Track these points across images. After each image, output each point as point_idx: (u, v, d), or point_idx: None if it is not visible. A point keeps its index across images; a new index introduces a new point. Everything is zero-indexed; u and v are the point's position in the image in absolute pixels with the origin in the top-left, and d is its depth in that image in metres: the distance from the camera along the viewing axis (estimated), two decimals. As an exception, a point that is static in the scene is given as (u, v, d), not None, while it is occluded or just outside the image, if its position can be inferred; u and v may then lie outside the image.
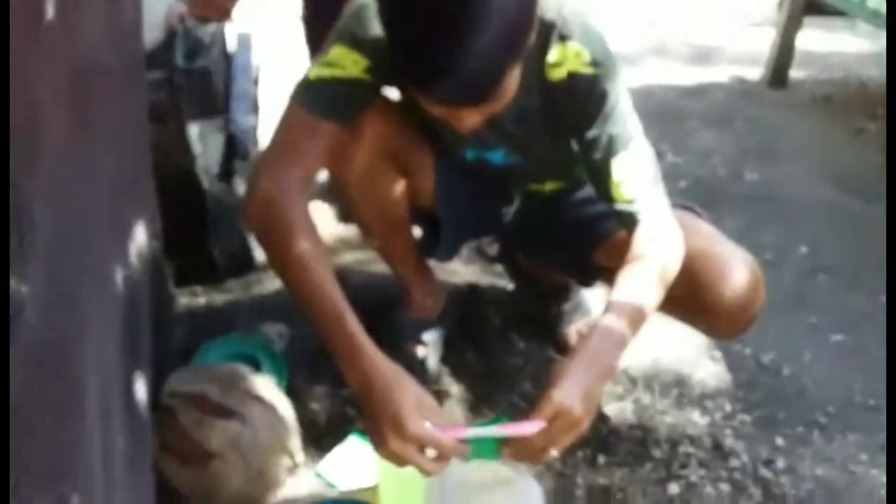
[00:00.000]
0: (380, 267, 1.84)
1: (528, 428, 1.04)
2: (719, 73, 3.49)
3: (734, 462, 1.54)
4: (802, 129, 2.92)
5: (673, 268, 1.24)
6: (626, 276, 1.20)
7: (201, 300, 1.95)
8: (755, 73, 3.42)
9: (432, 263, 1.82)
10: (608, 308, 1.16)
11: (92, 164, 1.02)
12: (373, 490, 1.37)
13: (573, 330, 1.81)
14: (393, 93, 1.50)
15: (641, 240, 1.25)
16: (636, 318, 1.15)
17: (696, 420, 1.63)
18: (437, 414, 1.06)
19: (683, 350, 1.81)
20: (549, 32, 1.26)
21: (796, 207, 2.43)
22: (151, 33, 1.75)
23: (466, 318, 1.89)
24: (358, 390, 1.09)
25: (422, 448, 1.05)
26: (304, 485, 1.45)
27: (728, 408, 1.67)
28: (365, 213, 1.62)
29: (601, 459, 1.53)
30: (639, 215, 1.27)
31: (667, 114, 3.07)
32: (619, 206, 1.29)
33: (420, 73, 1.10)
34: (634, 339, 1.15)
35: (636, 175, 1.29)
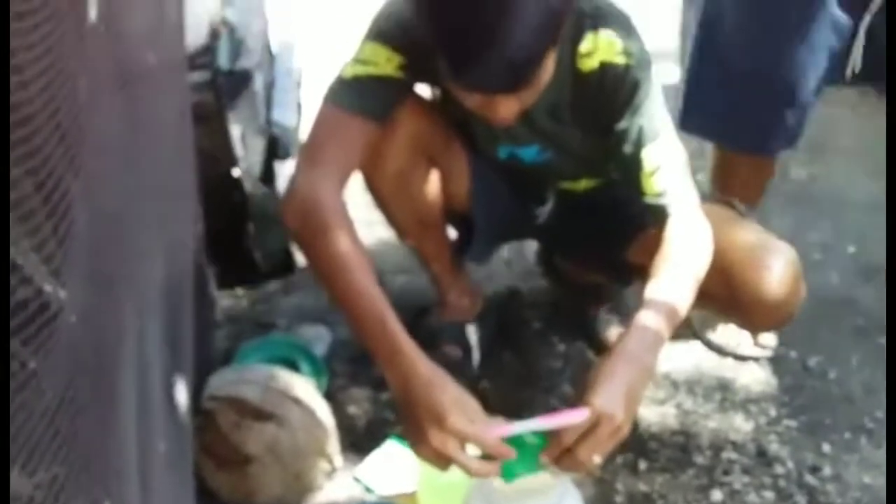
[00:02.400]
0: (418, 270, 1.84)
1: (575, 417, 1.02)
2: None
3: (779, 469, 1.51)
4: (852, 124, 2.85)
5: (704, 264, 1.22)
6: (658, 275, 1.18)
7: (243, 302, 1.96)
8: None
9: (473, 268, 1.82)
10: (642, 308, 1.14)
11: (134, 164, 1.02)
12: (411, 496, 1.37)
13: (613, 332, 1.79)
14: (426, 91, 1.50)
15: (672, 236, 1.23)
16: (672, 317, 1.14)
17: (740, 425, 1.60)
18: (478, 414, 1.04)
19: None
20: (581, 21, 1.25)
21: (844, 206, 2.37)
22: (194, 34, 1.77)
23: (506, 320, 1.88)
24: (398, 391, 1.08)
25: (463, 446, 1.03)
26: (342, 489, 1.45)
27: (773, 413, 1.64)
28: (398, 212, 1.61)
29: (642, 465, 1.51)
30: (669, 209, 1.26)
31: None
32: (650, 200, 1.28)
33: (458, 57, 1.11)
34: (669, 339, 1.13)
35: (666, 168, 1.28)
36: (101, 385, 0.83)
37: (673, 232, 1.24)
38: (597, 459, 1.05)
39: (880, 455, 1.53)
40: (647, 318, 1.12)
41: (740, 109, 1.66)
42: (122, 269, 0.95)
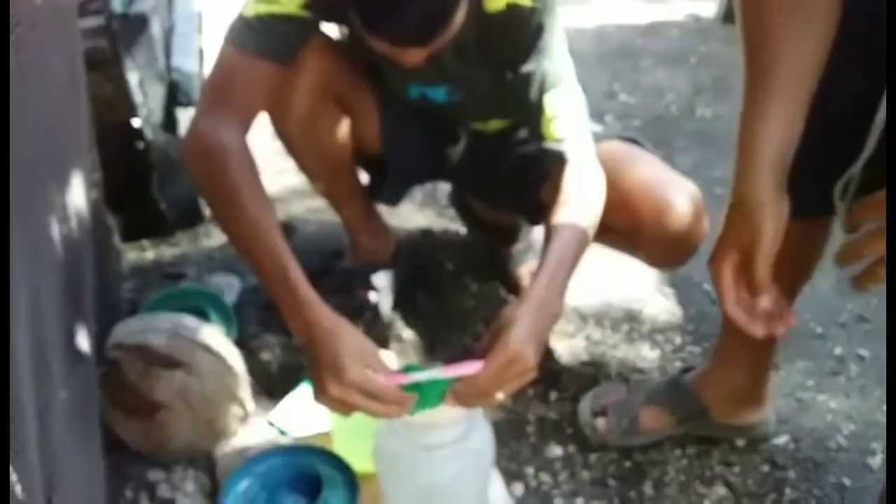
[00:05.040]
0: (330, 215, 1.82)
1: (471, 368, 1.03)
2: (674, 11, 3.46)
3: (683, 393, 1.56)
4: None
5: (598, 208, 1.24)
6: (558, 219, 1.19)
7: (150, 254, 1.92)
8: (710, 9, 3.40)
9: (385, 209, 1.81)
10: (547, 252, 1.14)
11: (21, 113, 0.98)
12: (325, 436, 1.37)
13: (525, 270, 1.81)
14: (331, 29, 1.47)
15: (571, 180, 1.25)
16: (574, 259, 1.15)
17: (647, 354, 1.65)
18: (378, 362, 1.04)
19: (634, 287, 1.82)
20: None
21: (748, 143, 2.44)
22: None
23: (419, 262, 1.88)
24: (302, 340, 1.07)
25: (363, 395, 1.04)
26: (256, 434, 1.45)
27: (678, 341, 1.69)
28: (307, 156, 1.59)
29: (553, 396, 1.55)
30: (566, 155, 1.27)
31: (621, 53, 3.05)
32: (549, 145, 1.30)
33: (370, 13, 1.09)
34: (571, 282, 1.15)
35: (567, 114, 1.30)
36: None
37: (570, 177, 1.25)
38: (500, 396, 1.06)
39: (779, 377, 1.59)
40: (552, 262, 1.13)
41: None
42: (13, 215, 0.91)
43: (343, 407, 1.03)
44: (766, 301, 0.94)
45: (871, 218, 0.80)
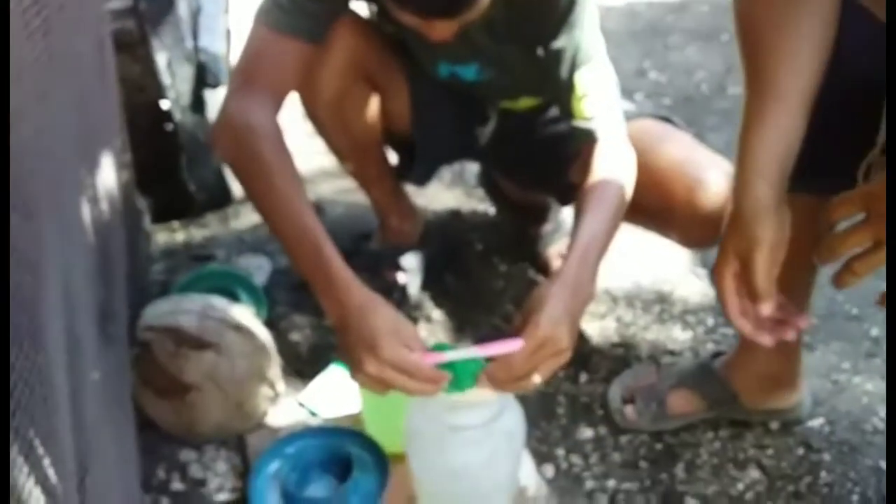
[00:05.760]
0: (359, 196, 1.82)
1: (510, 346, 1.02)
2: (705, -13, 3.40)
3: (717, 374, 1.54)
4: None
5: (629, 188, 1.22)
6: (590, 198, 1.17)
7: (179, 236, 1.93)
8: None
9: (413, 190, 1.80)
10: (577, 232, 1.13)
11: (52, 93, 0.98)
12: (355, 416, 1.37)
13: (554, 251, 1.79)
14: (361, 7, 1.46)
15: (601, 159, 1.23)
16: (606, 239, 1.14)
17: (678, 335, 1.63)
18: (414, 340, 1.03)
19: (666, 268, 1.80)
20: None
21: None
22: (114, -41, 1.70)
23: (448, 243, 1.87)
24: (335, 319, 1.07)
25: (399, 372, 1.03)
26: (287, 415, 1.45)
27: (710, 322, 1.67)
28: (336, 135, 1.59)
29: (583, 377, 1.53)
30: (597, 133, 1.26)
31: (651, 30, 3.00)
32: (579, 123, 1.28)
33: None
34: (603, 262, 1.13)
35: (597, 92, 1.28)
36: (23, 314, 0.81)
37: (600, 156, 1.24)
38: (537, 379, 1.05)
39: (814, 357, 1.57)
40: (585, 242, 1.11)
41: None
42: (45, 197, 0.92)
43: (378, 384, 1.02)
44: (767, 308, 0.93)
45: (845, 215, 0.80)
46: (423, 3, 1.13)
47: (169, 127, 1.84)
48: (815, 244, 0.85)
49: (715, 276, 0.98)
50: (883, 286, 0.81)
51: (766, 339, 0.97)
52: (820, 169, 0.93)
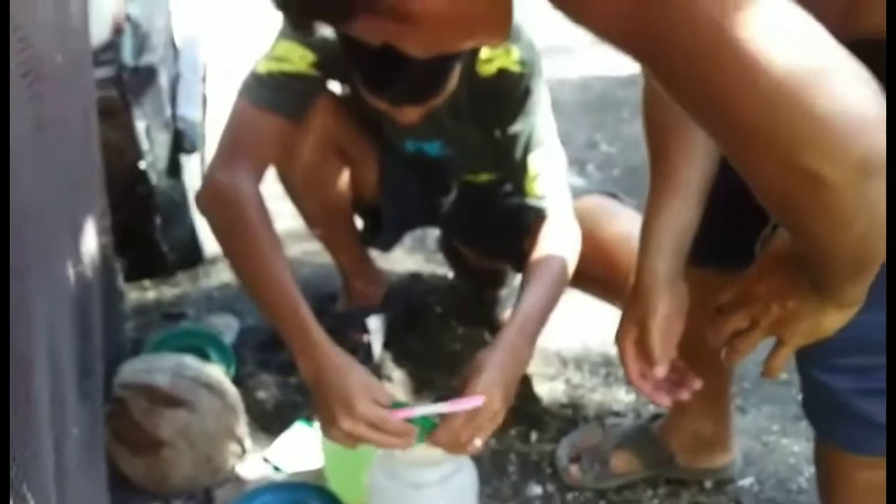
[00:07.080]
0: (325, 258, 1.91)
1: (472, 402, 1.12)
2: (656, 63, 3.58)
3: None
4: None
5: (572, 261, 1.34)
6: (534, 271, 1.29)
7: (151, 294, 2.00)
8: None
9: (376, 253, 1.90)
10: (520, 302, 1.25)
11: (43, 160, 1.06)
12: (318, 472, 1.45)
13: (509, 315, 1.89)
14: (337, 87, 1.57)
15: (547, 236, 1.35)
16: (547, 308, 1.26)
17: (622, 397, 1.74)
18: (385, 397, 1.12)
19: (612, 333, 1.89)
20: None
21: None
22: (98, 31, 1.78)
23: (409, 305, 1.97)
24: (310, 378, 1.14)
25: (371, 428, 1.11)
26: (252, 469, 1.52)
27: (653, 385, 1.77)
28: (309, 203, 1.69)
29: (533, 436, 1.63)
30: (546, 211, 1.38)
31: (603, 104, 3.15)
32: (531, 201, 1.40)
33: (371, 75, 1.22)
34: (542, 332, 1.24)
35: (548, 173, 1.41)
36: (16, 373, 0.87)
37: (546, 234, 1.36)
38: (477, 442, 1.15)
39: (747, 420, 1.68)
40: (525, 312, 1.23)
41: None
42: (32, 261, 0.99)
43: (351, 440, 1.11)
44: (661, 371, 1.04)
45: (728, 298, 0.91)
46: (394, 93, 1.26)
47: (145, 189, 1.92)
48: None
49: (617, 342, 1.08)
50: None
51: (663, 400, 1.08)
52: (722, 245, 1.04)
